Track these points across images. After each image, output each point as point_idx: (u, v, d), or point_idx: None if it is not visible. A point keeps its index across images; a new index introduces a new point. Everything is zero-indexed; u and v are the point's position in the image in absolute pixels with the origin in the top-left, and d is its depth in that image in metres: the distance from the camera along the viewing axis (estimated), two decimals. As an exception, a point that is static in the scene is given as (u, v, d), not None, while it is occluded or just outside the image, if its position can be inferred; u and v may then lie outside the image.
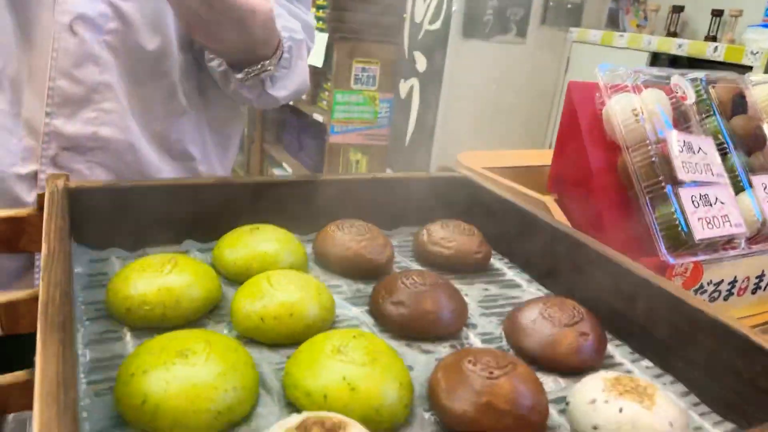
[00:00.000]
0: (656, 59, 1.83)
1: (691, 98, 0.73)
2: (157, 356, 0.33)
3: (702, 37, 1.94)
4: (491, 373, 0.36)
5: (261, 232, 0.51)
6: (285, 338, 0.41)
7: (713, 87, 0.79)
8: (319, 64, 2.33)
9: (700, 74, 0.77)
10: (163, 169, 0.68)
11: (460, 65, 1.96)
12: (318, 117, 2.48)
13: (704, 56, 1.67)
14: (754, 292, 0.77)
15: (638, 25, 2.16)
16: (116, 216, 0.52)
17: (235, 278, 0.48)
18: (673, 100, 0.73)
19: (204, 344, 0.35)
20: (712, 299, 0.72)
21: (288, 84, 0.70)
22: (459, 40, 1.95)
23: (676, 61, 1.82)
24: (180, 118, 0.69)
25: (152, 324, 0.41)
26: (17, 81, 0.60)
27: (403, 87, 2.26)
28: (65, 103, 0.60)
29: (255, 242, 0.49)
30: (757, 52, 1.52)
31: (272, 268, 0.47)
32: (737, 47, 1.61)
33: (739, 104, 0.80)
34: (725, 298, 0.74)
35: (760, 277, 0.76)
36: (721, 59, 1.63)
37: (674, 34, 1.98)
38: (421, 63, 2.12)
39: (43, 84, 0.59)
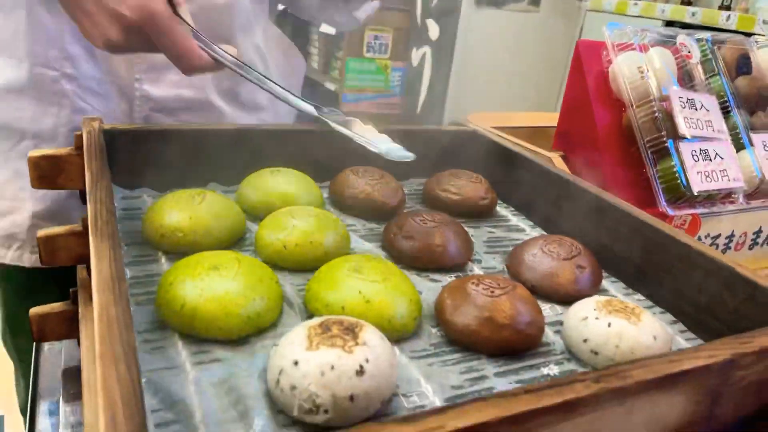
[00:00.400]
0: (670, 27, 1.83)
1: (696, 57, 0.75)
2: (193, 268, 0.37)
3: (716, 6, 1.93)
4: (492, 292, 0.40)
5: (281, 174, 0.54)
6: (305, 263, 0.45)
7: (719, 48, 0.80)
8: (332, 31, 2.34)
9: (706, 35, 0.79)
10: (239, 121, 0.73)
11: (472, 33, 1.97)
12: (330, 86, 2.50)
13: (717, 24, 1.67)
14: (751, 247, 0.80)
15: (653, -6, 2.15)
16: (147, 157, 0.56)
17: (257, 215, 0.52)
18: (679, 59, 0.75)
19: (234, 261, 0.39)
20: (710, 252, 0.75)
21: (367, 7, 0.80)
22: (472, 8, 1.95)
23: (691, 29, 1.82)
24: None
25: (184, 250, 0.45)
26: (107, 54, 0.64)
27: (416, 55, 2.27)
28: (151, 69, 0.66)
29: (276, 183, 0.53)
30: (771, 21, 1.52)
31: (292, 206, 0.51)
32: (749, 16, 1.61)
33: (743, 65, 0.81)
34: (723, 252, 0.77)
35: (758, 233, 0.79)
36: (733, 28, 1.63)
37: (688, 3, 1.97)
38: (433, 31, 2.12)
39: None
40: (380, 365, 0.31)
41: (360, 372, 0.30)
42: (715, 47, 0.79)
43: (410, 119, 2.39)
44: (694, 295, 0.46)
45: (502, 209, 0.65)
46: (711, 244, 0.75)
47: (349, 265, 0.40)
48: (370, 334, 0.33)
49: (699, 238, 0.73)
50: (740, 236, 0.77)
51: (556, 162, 0.77)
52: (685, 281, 0.46)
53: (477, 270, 0.50)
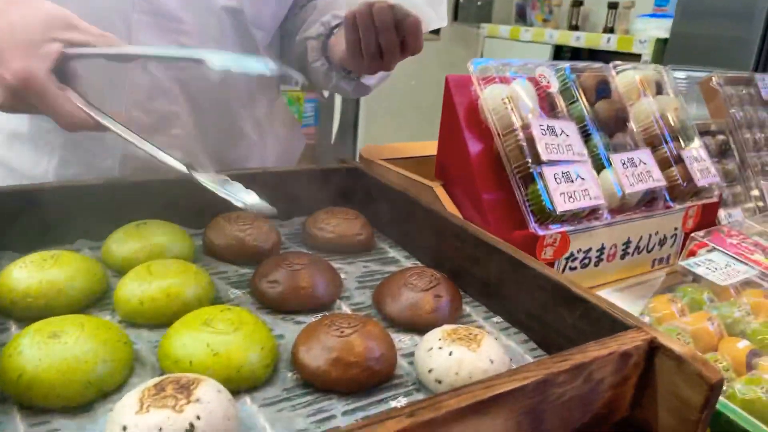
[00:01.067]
0: (560, 51, 1.96)
1: (555, 86, 0.81)
2: (31, 337, 0.37)
3: (601, 29, 2.09)
4: (342, 331, 0.41)
5: (147, 226, 0.54)
6: (164, 318, 0.45)
7: (579, 76, 0.87)
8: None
9: (564, 64, 0.85)
10: None
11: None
12: (244, 119, 2.48)
13: (599, 47, 1.80)
14: (623, 257, 0.86)
15: (544, 20, 2.29)
16: (7, 219, 0.54)
17: (123, 271, 0.51)
18: (540, 89, 0.81)
19: (77, 326, 0.38)
20: (584, 266, 0.81)
21: (378, 74, 0.79)
22: (375, 39, 2.00)
23: (578, 52, 1.94)
24: (239, 141, 0.77)
25: (38, 315, 0.44)
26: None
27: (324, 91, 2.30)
28: (139, 130, 0.64)
29: (141, 236, 0.53)
30: (645, 41, 1.65)
31: (158, 259, 0.51)
32: (627, 37, 1.75)
33: (602, 90, 0.88)
34: (596, 264, 0.82)
35: (627, 244, 0.85)
36: (614, 49, 1.76)
37: (575, 27, 2.11)
38: (341, 62, 2.16)
39: (119, 114, 0.63)
40: (213, 421, 0.32)
41: (190, 430, 0.31)
42: (575, 75, 0.86)
43: (326, 148, 2.42)
44: (541, 314, 0.49)
45: (381, 242, 0.67)
46: (584, 258, 0.80)
47: (200, 319, 0.41)
48: (206, 390, 0.33)
49: (571, 254, 0.78)
50: (611, 248, 0.83)
51: (438, 191, 0.81)
52: (533, 301, 0.50)
53: (345, 307, 0.52)
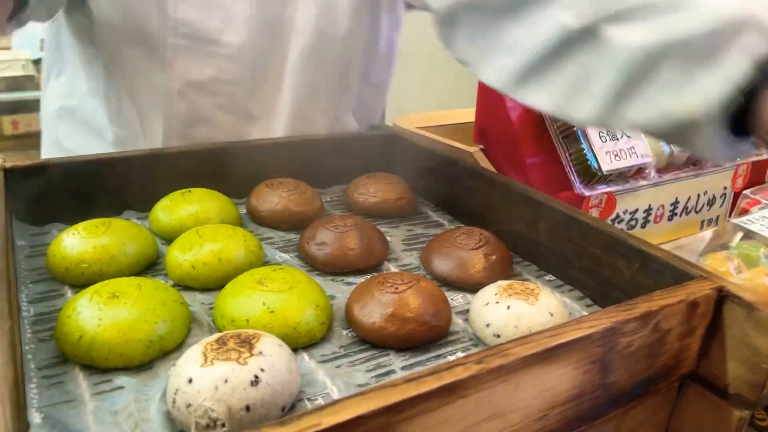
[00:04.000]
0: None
1: (596, 43, 0.78)
2: (89, 299, 0.37)
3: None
4: (396, 288, 0.41)
5: (193, 194, 0.54)
6: (215, 281, 0.45)
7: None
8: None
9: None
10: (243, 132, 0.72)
11: (405, 35, 1.99)
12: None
13: None
14: (670, 218, 0.83)
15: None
16: (54, 192, 0.55)
17: (171, 238, 0.51)
18: (581, 45, 0.78)
19: (134, 287, 0.39)
20: (630, 227, 0.79)
21: None
22: (403, 12, 1.97)
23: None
24: None
25: (90, 281, 0.44)
26: (135, 139, 0.69)
27: (352, 63, 2.27)
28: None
29: (187, 203, 0.53)
30: None
31: (204, 225, 0.51)
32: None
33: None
34: (642, 226, 0.80)
35: (675, 204, 0.83)
36: None
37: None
38: (366, 38, 2.14)
39: (156, 137, 0.66)
40: (276, 373, 0.32)
41: (255, 382, 0.31)
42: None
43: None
44: (596, 269, 0.48)
45: (423, 207, 0.66)
46: (630, 220, 0.78)
47: (253, 278, 0.41)
48: (267, 344, 0.33)
49: (617, 215, 0.76)
50: (658, 209, 0.80)
51: (477, 156, 0.79)
52: (587, 257, 0.48)
53: (393, 268, 0.51)
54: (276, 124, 0.70)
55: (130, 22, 0.62)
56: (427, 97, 2.11)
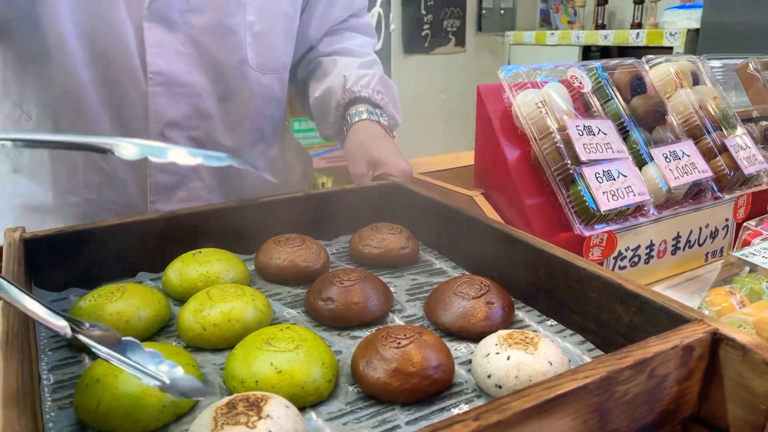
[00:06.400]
0: (588, 51, 1.94)
1: (588, 86, 0.81)
2: (106, 366, 0.39)
3: (629, 25, 2.06)
4: (399, 343, 0.42)
5: (203, 255, 0.56)
6: (226, 342, 0.46)
7: (612, 74, 0.87)
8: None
9: (596, 63, 0.85)
10: None
11: (405, 80, 2.05)
12: (279, 146, 2.54)
13: (628, 44, 1.78)
14: (674, 252, 0.84)
15: (569, 21, 2.27)
16: (71, 259, 0.58)
17: (183, 299, 0.53)
18: (572, 90, 0.81)
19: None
20: (633, 264, 0.80)
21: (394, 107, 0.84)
22: (401, 57, 2.04)
23: (607, 51, 1.92)
24: (256, 183, 0.82)
25: (108, 346, 0.46)
26: (123, 178, 0.75)
27: (357, 107, 2.33)
28: (163, 191, 0.75)
29: (198, 264, 0.55)
30: (676, 33, 1.62)
31: (215, 284, 0.53)
32: (657, 31, 1.72)
33: (637, 86, 0.88)
34: (646, 262, 0.81)
35: (677, 239, 0.84)
36: (644, 44, 1.74)
37: (603, 26, 2.09)
38: (369, 82, 2.20)
39: (145, 176, 0.73)
40: (284, 435, 0.33)
41: (263, 445, 0.32)
42: (607, 73, 0.86)
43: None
44: (596, 314, 0.49)
45: (426, 255, 0.68)
46: (633, 257, 0.79)
47: (262, 338, 0.42)
48: (275, 406, 0.34)
49: (620, 252, 0.77)
50: (660, 244, 0.81)
51: (478, 200, 0.81)
52: (586, 301, 0.50)
53: (398, 320, 0.53)
54: (246, 152, 0.80)
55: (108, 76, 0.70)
56: (429, 138, 2.15)
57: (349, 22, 0.92)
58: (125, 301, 0.48)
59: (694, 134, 0.87)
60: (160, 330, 0.50)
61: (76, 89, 0.70)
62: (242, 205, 0.67)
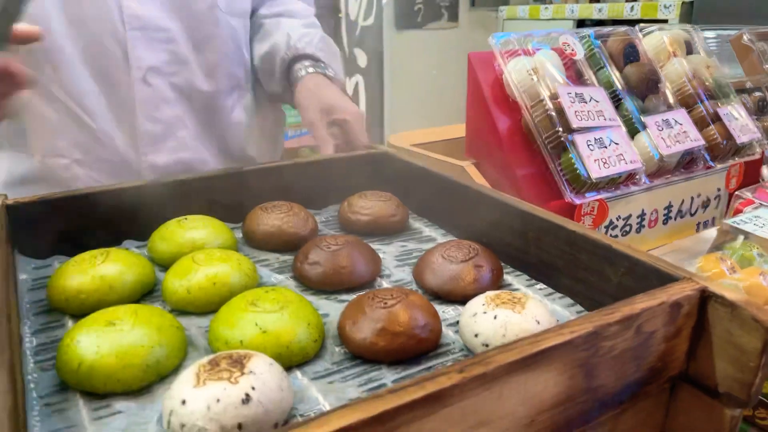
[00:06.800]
0: (583, 25, 1.92)
1: (580, 54, 0.80)
2: (88, 327, 0.38)
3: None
4: (386, 303, 0.42)
5: (189, 221, 0.56)
6: (211, 305, 0.46)
7: (605, 41, 0.86)
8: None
9: (588, 31, 0.84)
10: None
11: (398, 56, 2.03)
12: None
13: (622, 17, 1.76)
14: (665, 222, 0.84)
15: (564, -4, 2.25)
16: (55, 226, 0.57)
17: (169, 265, 0.53)
18: (565, 57, 0.80)
19: (131, 314, 0.40)
20: (625, 233, 0.79)
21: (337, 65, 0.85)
22: (393, 33, 2.01)
23: (603, 25, 1.90)
24: (237, 130, 0.85)
25: (90, 311, 0.45)
26: (110, 134, 0.75)
27: (349, 84, 2.31)
28: (152, 140, 0.75)
29: (183, 231, 0.54)
30: (670, 5, 1.61)
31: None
32: (651, 3, 1.70)
33: (630, 54, 0.87)
34: (638, 231, 0.81)
35: (669, 208, 0.83)
36: (638, 17, 1.72)
37: (596, 0, 2.07)
38: (362, 59, 2.18)
39: (133, 127, 0.74)
40: (267, 391, 0.33)
41: (246, 400, 0.32)
42: (601, 41, 0.84)
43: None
44: (585, 276, 0.49)
45: (416, 222, 0.67)
46: (624, 226, 0.78)
47: (246, 300, 0.42)
48: (258, 363, 0.34)
49: (611, 221, 0.77)
50: (652, 213, 0.81)
51: (469, 170, 0.80)
52: (576, 264, 0.49)
53: (386, 284, 0.52)
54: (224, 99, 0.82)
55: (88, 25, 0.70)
56: (421, 115, 2.13)
57: None
58: (108, 265, 0.47)
59: (687, 103, 0.86)
60: (145, 295, 0.49)
61: (50, 41, 0.69)
62: (230, 173, 0.66)
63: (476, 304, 0.42)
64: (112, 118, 0.74)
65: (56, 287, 0.46)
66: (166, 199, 0.61)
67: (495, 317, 0.40)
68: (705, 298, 0.39)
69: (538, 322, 0.40)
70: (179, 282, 0.46)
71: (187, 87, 0.78)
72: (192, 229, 0.55)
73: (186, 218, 0.56)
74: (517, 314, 0.40)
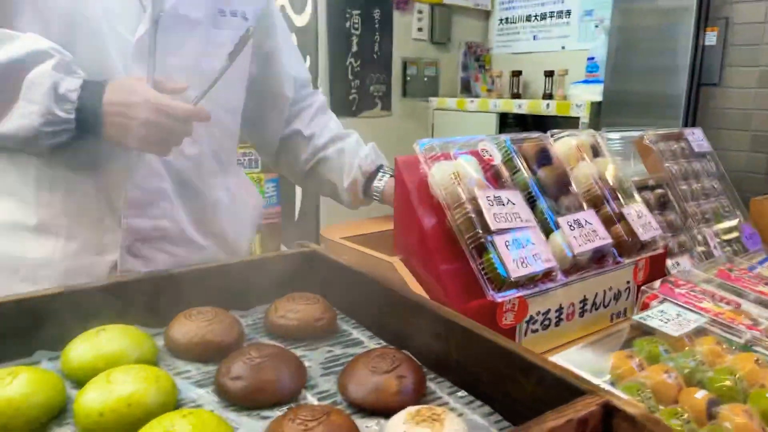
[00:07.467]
0: (506, 117, 2.06)
1: (497, 159, 0.86)
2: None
3: (541, 95, 2.22)
4: (306, 425, 0.42)
5: (107, 332, 0.54)
6: (126, 429, 0.44)
7: (520, 146, 0.93)
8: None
9: (504, 137, 0.91)
10: (207, 247, 0.89)
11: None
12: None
13: (540, 112, 1.91)
14: (581, 315, 0.89)
15: (488, 90, 2.42)
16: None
17: (84, 381, 0.51)
18: (483, 162, 0.86)
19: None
20: (545, 327, 0.83)
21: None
22: (329, 119, 2.08)
23: (523, 118, 2.05)
24: (215, 207, 0.91)
25: (-7, 437, 0.43)
26: (103, 195, 0.80)
27: (283, 170, 2.34)
28: (137, 206, 0.80)
29: (100, 343, 0.53)
30: (581, 105, 1.76)
31: (119, 365, 0.50)
32: (565, 102, 1.86)
33: (543, 157, 0.94)
34: (556, 324, 0.85)
35: (584, 302, 0.88)
36: (554, 113, 1.87)
37: (518, 95, 2.24)
38: (298, 143, 2.22)
39: (119, 194, 0.79)
40: None
41: None
42: (516, 146, 0.92)
43: (290, 226, 2.43)
44: (502, 384, 0.51)
45: (344, 324, 0.68)
46: (544, 320, 0.82)
47: (162, 427, 0.41)
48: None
49: (531, 317, 0.80)
50: (569, 307, 0.86)
51: (397, 266, 0.83)
52: (493, 372, 0.51)
53: (310, 397, 0.52)
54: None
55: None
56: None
57: (310, 98, 1.10)
58: (17, 386, 0.45)
59: (595, 203, 0.93)
60: (55, 416, 0.47)
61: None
62: (155, 276, 0.65)
63: (397, 422, 0.43)
64: (101, 184, 0.79)
65: (-46, 414, 0.43)
66: (83, 306, 0.59)
67: (414, 437, 0.41)
68: (608, 411, 0.42)
69: (456, 441, 0.41)
70: (92, 404, 0.44)
71: (175, 163, 0.83)
72: (109, 341, 0.53)
73: (105, 329, 0.55)
74: (435, 433, 0.41)
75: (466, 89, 2.43)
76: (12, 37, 0.70)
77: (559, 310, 0.84)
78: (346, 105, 2.06)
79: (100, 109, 0.71)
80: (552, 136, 0.99)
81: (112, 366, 0.50)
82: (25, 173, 0.77)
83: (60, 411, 0.48)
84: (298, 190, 2.29)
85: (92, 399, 0.45)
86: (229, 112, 0.94)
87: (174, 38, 0.81)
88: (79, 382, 0.51)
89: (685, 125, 1.83)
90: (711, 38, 1.81)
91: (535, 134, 0.97)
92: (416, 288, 0.79)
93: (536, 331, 0.81)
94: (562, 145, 0.98)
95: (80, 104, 0.70)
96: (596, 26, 2.08)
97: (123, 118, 0.70)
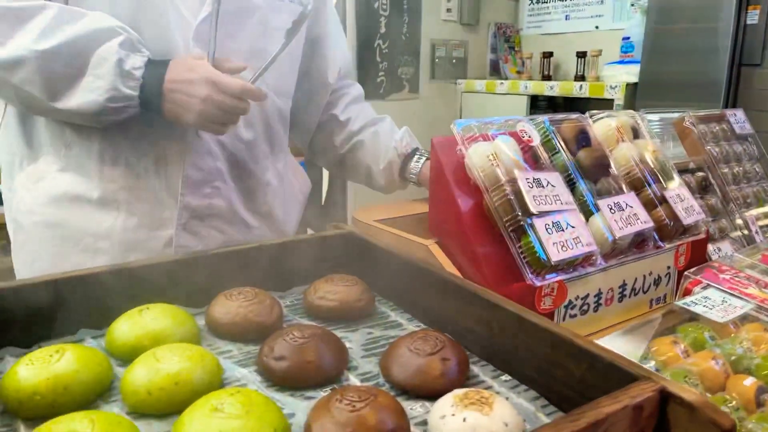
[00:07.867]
0: (536, 100, 2.02)
1: (536, 140, 0.84)
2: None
3: (573, 77, 2.17)
4: (354, 406, 0.41)
5: (150, 311, 0.54)
6: (173, 407, 0.44)
7: (558, 127, 0.90)
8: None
9: (543, 117, 0.88)
10: (256, 228, 0.92)
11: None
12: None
13: (572, 94, 1.87)
14: (620, 300, 0.87)
15: (518, 71, 2.37)
16: (7, 315, 0.54)
17: (129, 359, 0.51)
18: (522, 143, 0.84)
19: (88, 422, 0.38)
20: (583, 312, 0.81)
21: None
22: (356, 102, 2.06)
23: (553, 100, 2.01)
24: (265, 188, 0.93)
25: (45, 413, 0.43)
26: (162, 173, 0.83)
27: (312, 150, 2.34)
28: (193, 185, 0.83)
29: (144, 322, 0.53)
30: (615, 86, 1.71)
31: (163, 343, 0.51)
32: (598, 84, 1.82)
33: (582, 139, 0.92)
34: (595, 310, 0.83)
35: (623, 286, 0.86)
36: (586, 95, 1.83)
37: (548, 77, 2.19)
38: (325, 126, 2.21)
39: (177, 173, 0.81)
40: None
41: None
42: (555, 127, 0.89)
43: (316, 210, 2.43)
44: (549, 369, 0.50)
45: (382, 306, 0.67)
46: (582, 305, 0.81)
47: (210, 405, 0.41)
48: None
49: (570, 301, 0.79)
50: (608, 292, 0.84)
51: (432, 249, 0.82)
52: (539, 357, 0.50)
53: (353, 378, 0.52)
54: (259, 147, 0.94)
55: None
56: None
57: (349, 88, 1.11)
58: (64, 364, 0.45)
59: (636, 186, 0.91)
60: (103, 393, 0.47)
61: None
62: (194, 257, 0.65)
63: (445, 404, 0.43)
64: (160, 162, 0.81)
65: (9, 388, 0.44)
66: (126, 285, 0.60)
67: (464, 420, 0.40)
68: (665, 397, 0.40)
69: (506, 424, 0.40)
70: (139, 382, 0.45)
71: (230, 144, 0.85)
72: (153, 320, 0.53)
73: (148, 307, 0.55)
74: (485, 416, 0.41)
75: (495, 71, 2.39)
76: (82, 14, 0.71)
77: (598, 294, 0.82)
78: (374, 87, 2.05)
79: (162, 86, 0.72)
80: (591, 117, 0.96)
81: (156, 345, 0.50)
82: (89, 148, 0.79)
83: (107, 389, 0.48)
84: (326, 174, 2.28)
85: (140, 377, 0.45)
86: (281, 96, 0.95)
87: (234, 22, 0.82)
88: (125, 361, 0.52)
89: (725, 108, 1.77)
90: (753, 17, 1.74)
91: (573, 115, 0.95)
92: (451, 271, 0.78)
93: (574, 316, 0.80)
94: (602, 126, 0.96)
95: (144, 81, 0.72)
96: (632, 5, 2.02)
97: (183, 95, 0.71)
